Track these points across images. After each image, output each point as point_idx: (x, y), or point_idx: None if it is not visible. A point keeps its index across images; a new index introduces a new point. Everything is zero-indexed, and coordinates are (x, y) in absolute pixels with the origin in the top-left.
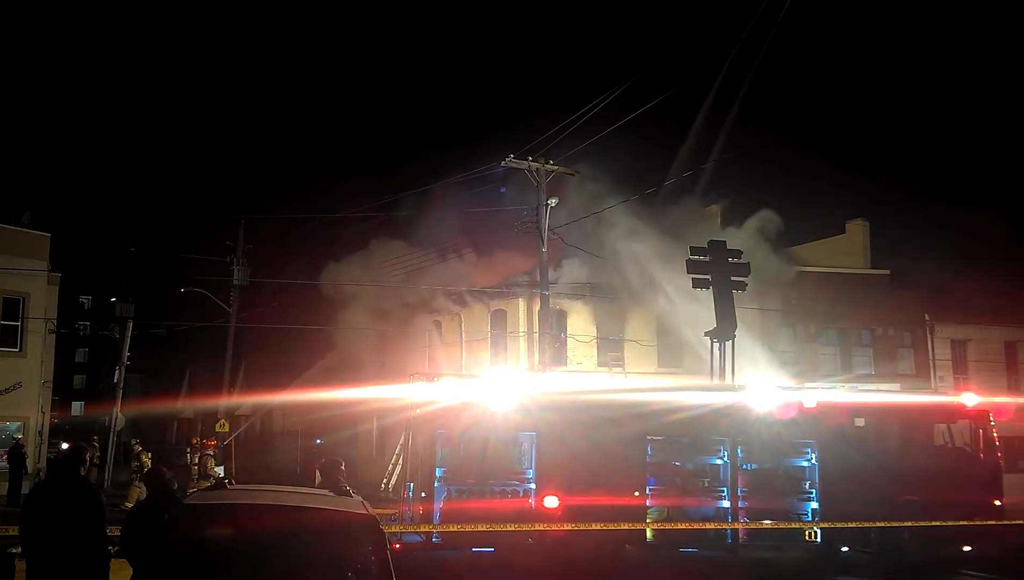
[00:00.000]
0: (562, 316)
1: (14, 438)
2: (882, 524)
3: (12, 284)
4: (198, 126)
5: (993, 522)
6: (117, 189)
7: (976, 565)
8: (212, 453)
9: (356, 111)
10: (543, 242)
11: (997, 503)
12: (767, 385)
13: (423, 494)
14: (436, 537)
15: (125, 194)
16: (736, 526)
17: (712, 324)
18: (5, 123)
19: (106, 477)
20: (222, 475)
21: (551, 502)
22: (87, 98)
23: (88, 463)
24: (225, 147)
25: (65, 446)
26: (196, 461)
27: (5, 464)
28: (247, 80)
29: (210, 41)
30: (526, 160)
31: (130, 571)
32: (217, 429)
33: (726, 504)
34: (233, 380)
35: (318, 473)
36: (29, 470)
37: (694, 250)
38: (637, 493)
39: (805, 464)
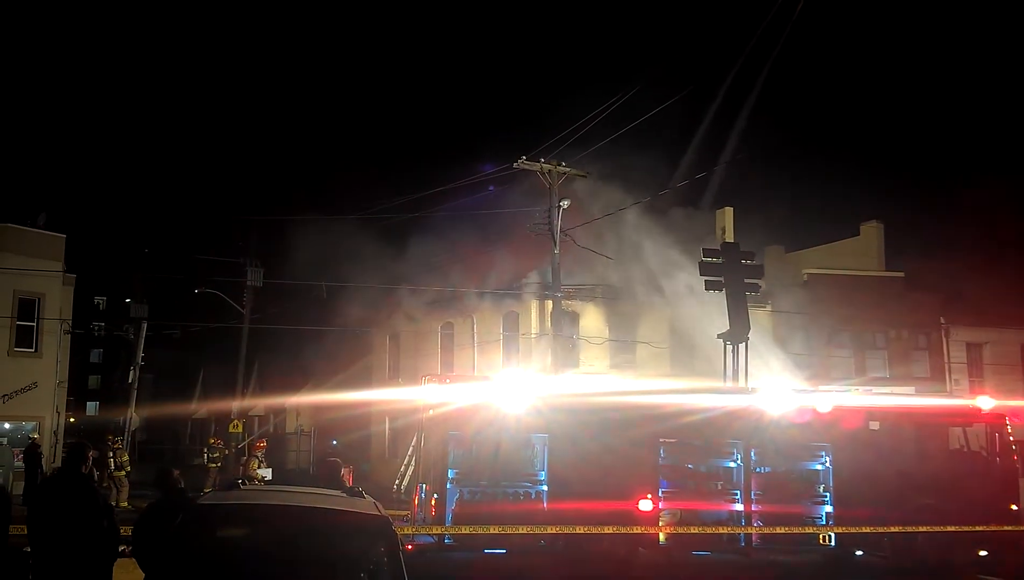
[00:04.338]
0: (574, 318)
1: (30, 438)
2: (897, 529)
3: (28, 285)
4: (212, 128)
5: (1009, 527)
6: (132, 190)
7: (992, 570)
8: (259, 455)
9: (369, 114)
10: (555, 244)
11: (1013, 507)
12: (781, 388)
13: (435, 495)
14: (448, 538)
15: (140, 195)
16: (749, 531)
17: (725, 326)
18: (21, 125)
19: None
20: (269, 478)
21: (564, 504)
22: (102, 100)
23: (90, 461)
24: (239, 149)
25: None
26: (212, 461)
27: (21, 464)
28: (262, 81)
29: (226, 45)
30: (538, 162)
31: (141, 573)
32: (230, 430)
33: (739, 507)
34: (246, 381)
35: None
36: (45, 470)
37: (707, 252)
38: (650, 496)
39: (819, 467)
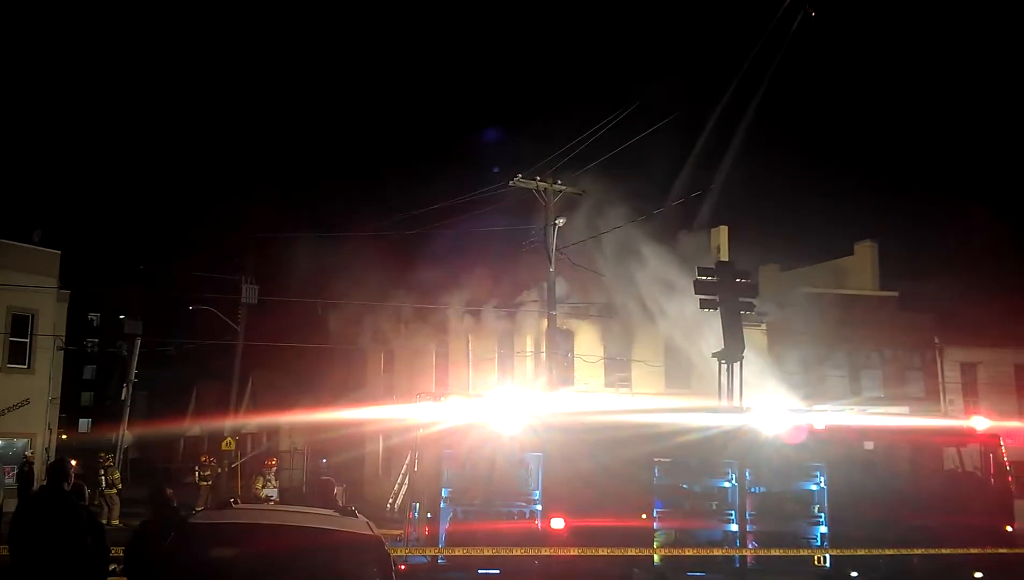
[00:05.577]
0: (569, 336)
1: (24, 455)
2: (891, 551)
3: (22, 301)
4: (207, 146)
5: (1004, 549)
6: (126, 207)
7: None
8: (266, 475)
9: (364, 131)
10: (551, 262)
11: (1008, 529)
12: (776, 407)
13: (428, 515)
14: (442, 559)
15: (134, 212)
16: (744, 552)
17: (720, 345)
18: (16, 141)
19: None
20: (276, 499)
21: (557, 524)
22: (97, 118)
23: (72, 478)
24: (234, 167)
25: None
26: (204, 479)
27: (12, 482)
28: (258, 99)
29: (222, 62)
30: (534, 180)
31: None
32: (223, 447)
33: (734, 527)
34: (240, 398)
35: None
36: (36, 488)
37: (701, 271)
38: (644, 516)
39: (814, 488)
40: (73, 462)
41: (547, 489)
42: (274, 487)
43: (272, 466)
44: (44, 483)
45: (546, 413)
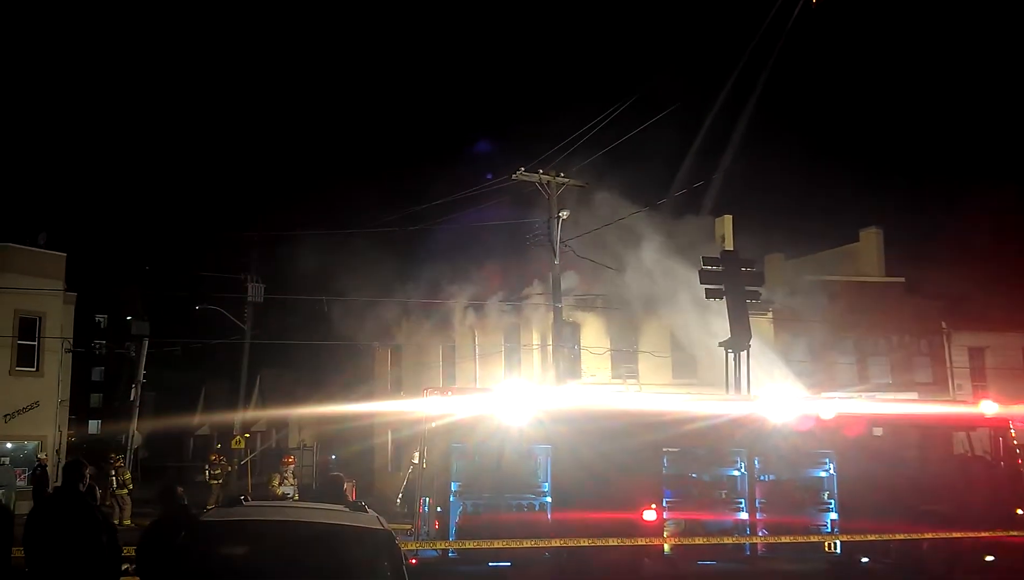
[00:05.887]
0: (575, 329)
1: (37, 458)
2: (902, 536)
3: (29, 304)
4: (211, 146)
5: (1016, 532)
6: (132, 208)
7: (998, 576)
8: (283, 471)
9: (367, 128)
10: (555, 255)
11: (1019, 512)
12: (783, 395)
13: (439, 509)
14: (452, 552)
15: (140, 213)
16: (754, 540)
17: (726, 334)
18: (21, 144)
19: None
20: (294, 496)
21: (567, 515)
22: (101, 119)
23: (87, 478)
24: (238, 166)
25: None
26: (214, 478)
27: (23, 484)
28: (263, 98)
29: (226, 62)
30: (536, 173)
31: None
32: (233, 446)
33: (744, 516)
34: (248, 396)
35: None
36: (49, 490)
37: (707, 260)
38: (654, 506)
39: (823, 475)
40: (87, 470)
41: (556, 481)
42: (291, 485)
43: (289, 463)
44: (58, 484)
45: (553, 405)
